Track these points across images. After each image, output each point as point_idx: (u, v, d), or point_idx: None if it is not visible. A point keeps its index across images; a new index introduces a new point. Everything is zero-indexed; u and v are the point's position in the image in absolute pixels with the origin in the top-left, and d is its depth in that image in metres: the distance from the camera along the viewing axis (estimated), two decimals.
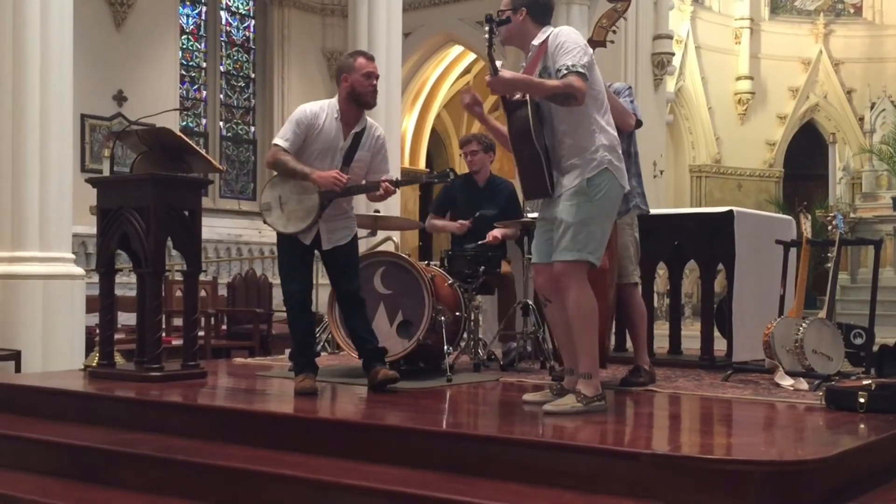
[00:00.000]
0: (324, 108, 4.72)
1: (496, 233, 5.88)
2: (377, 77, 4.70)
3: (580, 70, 3.85)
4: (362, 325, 4.79)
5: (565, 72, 3.85)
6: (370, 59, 4.74)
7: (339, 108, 4.69)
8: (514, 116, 3.99)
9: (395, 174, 4.84)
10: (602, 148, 3.93)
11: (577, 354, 4.02)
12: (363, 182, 4.79)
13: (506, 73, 3.93)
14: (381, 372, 4.60)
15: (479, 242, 5.81)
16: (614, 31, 4.78)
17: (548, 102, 3.95)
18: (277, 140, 4.71)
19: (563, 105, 3.89)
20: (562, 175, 3.97)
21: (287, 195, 4.66)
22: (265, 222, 4.77)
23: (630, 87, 5.01)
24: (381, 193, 4.67)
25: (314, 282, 5.16)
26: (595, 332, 4.01)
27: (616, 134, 4.06)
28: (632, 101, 4.84)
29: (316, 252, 4.82)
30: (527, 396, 4.27)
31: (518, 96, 4.02)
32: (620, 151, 4.04)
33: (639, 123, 4.84)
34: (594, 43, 4.61)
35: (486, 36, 3.96)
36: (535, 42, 4.06)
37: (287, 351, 6.27)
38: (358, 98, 4.67)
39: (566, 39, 3.94)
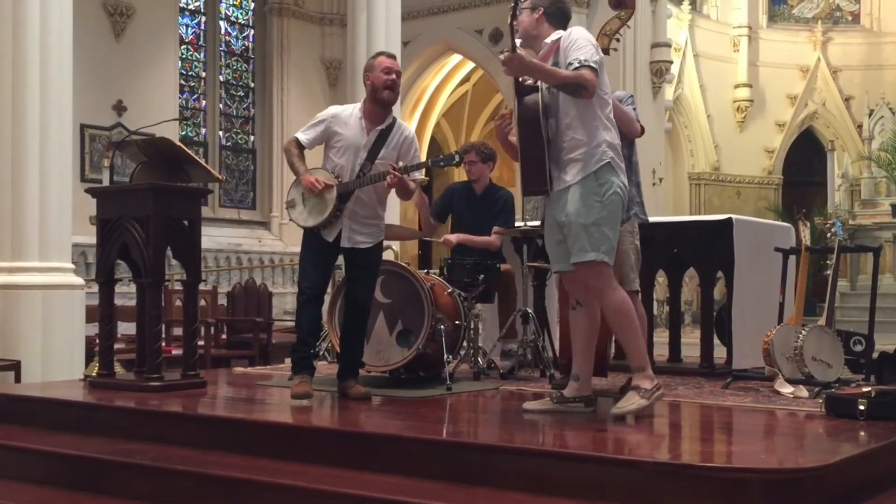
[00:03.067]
0: (348, 108, 4.87)
1: (452, 238, 5.95)
2: (396, 73, 4.75)
3: (592, 65, 3.89)
4: (356, 336, 4.84)
5: (577, 65, 3.88)
6: (390, 56, 4.83)
7: (362, 108, 4.78)
8: (524, 102, 3.99)
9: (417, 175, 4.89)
10: (605, 143, 3.96)
11: (625, 351, 4.07)
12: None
13: (523, 54, 3.92)
14: (354, 388, 4.71)
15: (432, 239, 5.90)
16: (617, 40, 4.79)
17: (555, 97, 3.97)
18: (298, 132, 4.87)
19: (572, 95, 3.91)
20: (561, 170, 3.97)
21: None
22: (290, 219, 4.87)
23: (632, 96, 5.02)
24: (389, 182, 4.64)
25: None
26: (636, 326, 4.04)
27: (618, 135, 4.08)
28: (634, 109, 4.85)
29: None
30: (527, 405, 4.26)
31: (531, 81, 4.03)
32: (621, 152, 4.06)
33: (641, 130, 4.85)
34: None
35: (511, 9, 3.98)
36: (547, 40, 4.10)
37: (287, 360, 6.28)
38: (375, 93, 4.73)
39: (579, 37, 3.99)
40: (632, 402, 3.93)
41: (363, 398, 4.65)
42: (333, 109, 4.88)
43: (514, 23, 4.01)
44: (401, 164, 4.68)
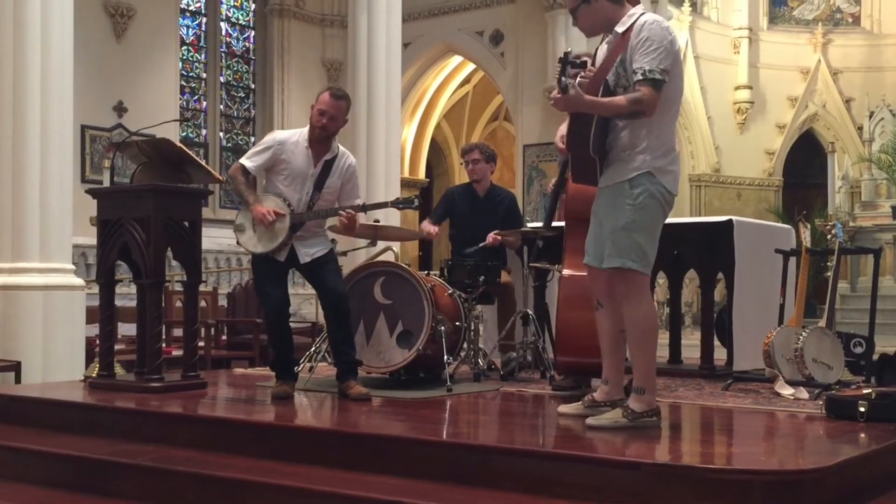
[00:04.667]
0: (294, 136, 4.91)
1: (496, 234, 5.87)
2: (330, 116, 4.78)
3: (657, 76, 3.64)
4: (344, 335, 4.87)
5: (640, 77, 3.65)
6: (335, 97, 4.84)
7: (308, 136, 4.85)
8: (579, 119, 3.83)
9: (362, 198, 5.12)
10: (648, 150, 3.73)
11: (633, 366, 3.87)
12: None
13: (572, 94, 3.64)
14: (354, 389, 4.72)
15: (480, 245, 5.80)
16: None
17: (620, 78, 3.76)
18: (243, 159, 4.92)
19: (630, 119, 3.73)
20: (608, 168, 3.83)
21: None
22: (238, 243, 4.93)
23: None
24: (343, 221, 4.81)
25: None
26: (653, 345, 3.86)
27: (673, 139, 3.86)
28: None
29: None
30: (562, 408, 4.16)
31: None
32: (673, 157, 3.83)
33: None
34: None
35: (558, 75, 3.66)
36: (619, 29, 3.81)
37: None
38: (311, 129, 4.83)
39: (650, 35, 3.69)
40: (611, 418, 3.79)
41: (363, 398, 4.66)
42: (280, 136, 4.93)
43: (561, 82, 3.64)
44: (358, 202, 4.84)
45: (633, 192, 3.74)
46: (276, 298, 4.85)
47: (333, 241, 5.34)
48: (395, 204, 5.05)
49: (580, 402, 4.12)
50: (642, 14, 3.80)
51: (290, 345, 4.97)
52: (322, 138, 4.83)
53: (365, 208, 4.87)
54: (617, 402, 3.95)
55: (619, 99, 3.70)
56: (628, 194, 3.74)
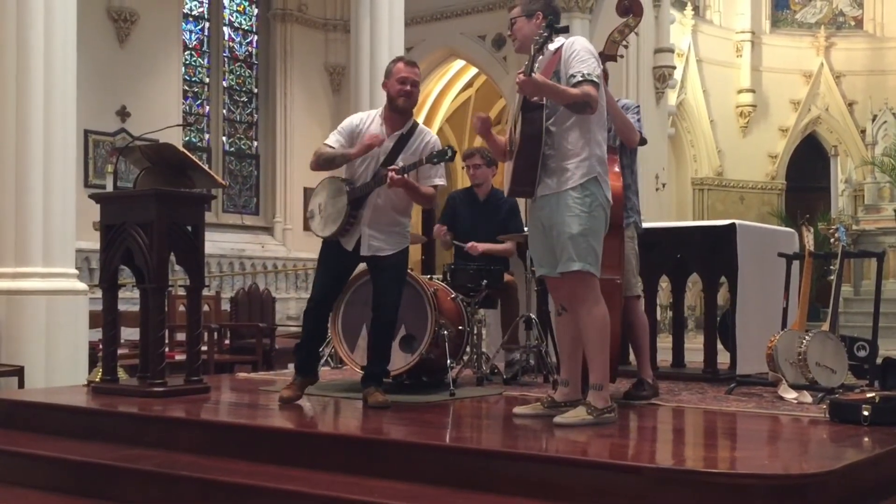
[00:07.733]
0: (369, 115, 4.93)
1: (479, 246, 5.87)
2: (413, 83, 4.76)
3: (594, 79, 3.92)
4: (377, 344, 4.76)
5: (580, 79, 3.91)
6: (409, 64, 4.84)
7: (382, 113, 4.83)
8: (529, 117, 4.00)
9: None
10: (594, 158, 3.98)
11: (589, 365, 4.02)
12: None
13: (538, 77, 3.92)
14: (372, 396, 4.59)
15: (458, 243, 5.87)
16: (625, 46, 4.81)
17: (553, 104, 3.99)
18: (324, 142, 4.88)
19: (578, 113, 3.94)
20: (547, 176, 3.98)
21: (325, 200, 4.79)
22: (312, 230, 4.91)
23: (638, 106, 5.02)
24: (389, 183, 4.61)
25: None
26: (607, 344, 4.05)
27: (606, 150, 4.10)
28: (638, 119, 4.86)
29: None
30: (517, 410, 4.27)
31: (536, 98, 4.02)
32: (607, 167, 4.10)
33: (643, 141, 4.86)
34: (605, 57, 4.64)
35: (542, 38, 3.96)
36: (552, 48, 4.10)
37: (290, 366, 6.28)
38: (391, 102, 4.77)
39: (581, 48, 4.02)
40: (577, 416, 3.94)
41: (380, 406, 4.54)
42: (355, 117, 4.92)
43: (540, 53, 3.99)
44: (399, 164, 4.66)
45: (585, 200, 3.94)
46: (322, 285, 4.79)
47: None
48: (430, 159, 4.76)
49: (538, 403, 4.27)
50: (569, 37, 4.14)
51: (317, 339, 4.92)
52: (405, 109, 4.76)
53: (405, 170, 4.64)
54: (576, 402, 4.09)
55: (572, 89, 3.92)
56: (580, 201, 3.93)
